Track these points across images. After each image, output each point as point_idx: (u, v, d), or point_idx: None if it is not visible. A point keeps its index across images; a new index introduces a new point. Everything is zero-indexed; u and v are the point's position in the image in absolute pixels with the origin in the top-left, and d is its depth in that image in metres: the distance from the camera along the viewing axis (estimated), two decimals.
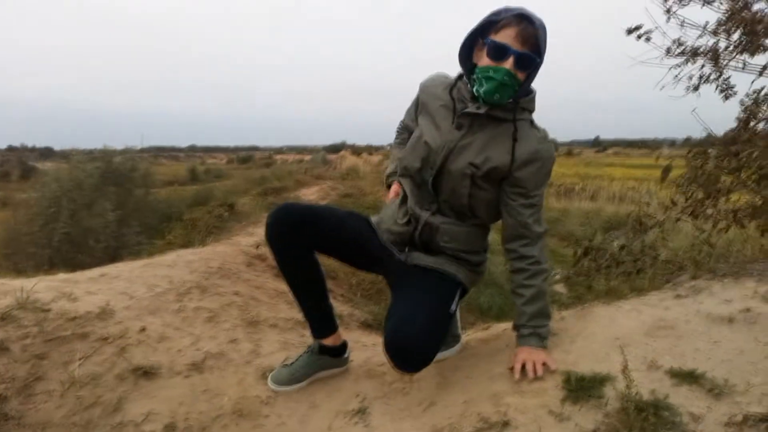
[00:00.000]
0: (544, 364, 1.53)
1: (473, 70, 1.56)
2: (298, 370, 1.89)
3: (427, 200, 1.70)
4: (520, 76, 1.50)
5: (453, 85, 1.64)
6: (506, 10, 1.50)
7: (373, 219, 1.84)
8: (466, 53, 1.59)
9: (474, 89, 1.55)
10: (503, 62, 1.47)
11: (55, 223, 7.39)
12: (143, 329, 2.04)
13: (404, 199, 1.76)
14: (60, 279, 2.37)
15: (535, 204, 1.62)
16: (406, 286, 1.69)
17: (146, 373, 1.83)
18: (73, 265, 5.70)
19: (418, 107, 1.76)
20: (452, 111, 1.62)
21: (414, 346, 1.52)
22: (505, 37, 1.47)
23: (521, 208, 1.61)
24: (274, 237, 1.69)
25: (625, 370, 1.30)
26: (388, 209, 1.82)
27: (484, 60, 1.52)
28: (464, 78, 1.61)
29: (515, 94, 1.53)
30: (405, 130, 1.93)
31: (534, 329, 1.61)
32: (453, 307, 1.69)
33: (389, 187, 1.92)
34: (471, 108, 1.57)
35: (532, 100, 1.62)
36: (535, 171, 1.59)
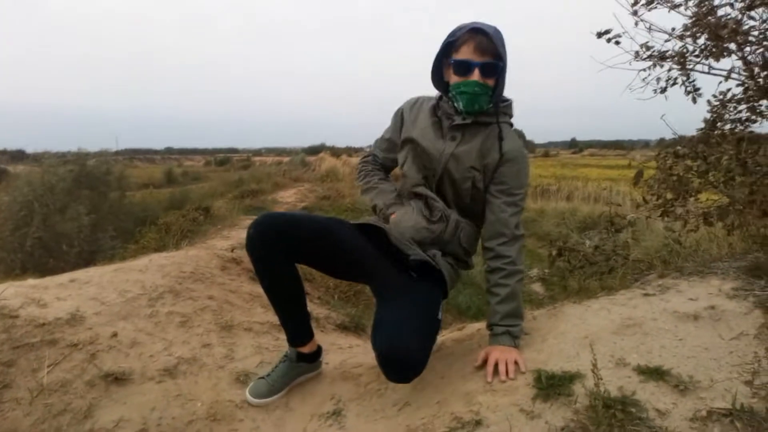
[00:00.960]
0: (515, 363, 1.55)
1: (448, 88, 1.72)
2: (276, 381, 1.87)
3: (445, 204, 1.78)
4: (489, 82, 1.66)
5: (436, 106, 1.79)
6: (459, 28, 1.66)
7: (386, 225, 1.81)
8: (438, 75, 1.76)
9: (455, 105, 1.71)
10: (470, 76, 1.63)
11: (27, 228, 7.22)
12: (114, 335, 2.01)
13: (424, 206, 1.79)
14: (29, 285, 2.32)
15: (516, 204, 1.72)
16: (395, 296, 1.69)
17: (117, 379, 1.81)
18: (46, 271, 5.58)
19: (403, 124, 1.85)
20: (440, 128, 1.76)
21: (408, 360, 1.53)
22: (465, 53, 1.63)
23: (504, 205, 1.71)
24: (255, 248, 1.68)
25: (594, 368, 1.32)
26: (404, 213, 1.80)
27: (453, 78, 1.68)
28: (443, 98, 1.76)
29: (492, 98, 1.69)
30: (375, 166, 2.00)
31: (507, 328, 1.64)
32: (439, 315, 1.73)
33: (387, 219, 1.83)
34: (458, 120, 1.71)
35: (510, 107, 1.79)
36: (517, 170, 1.72)
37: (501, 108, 1.74)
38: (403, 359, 1.53)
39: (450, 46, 1.68)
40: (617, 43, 2.51)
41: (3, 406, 1.59)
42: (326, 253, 1.76)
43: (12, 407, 1.60)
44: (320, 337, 2.10)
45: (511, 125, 1.79)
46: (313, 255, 1.77)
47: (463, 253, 1.82)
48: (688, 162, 2.43)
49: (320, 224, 1.78)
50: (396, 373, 1.56)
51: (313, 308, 2.90)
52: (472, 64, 1.62)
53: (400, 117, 1.88)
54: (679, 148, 2.48)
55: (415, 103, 1.86)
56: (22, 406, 1.61)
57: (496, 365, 1.56)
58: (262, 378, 1.88)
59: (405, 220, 1.78)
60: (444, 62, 1.72)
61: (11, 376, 1.68)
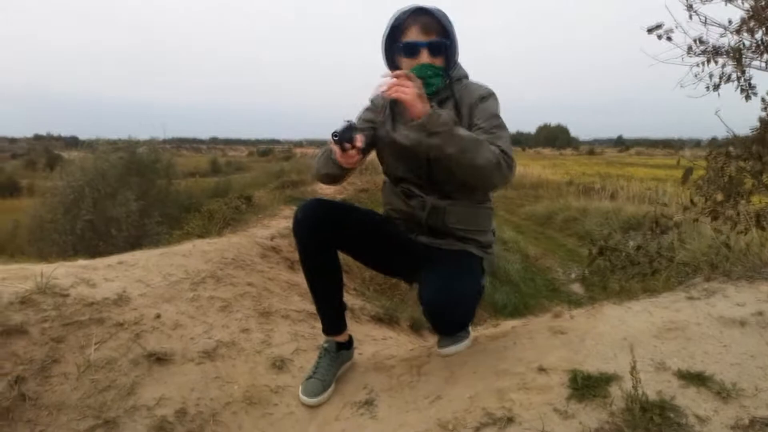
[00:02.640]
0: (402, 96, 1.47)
1: None
2: (325, 375, 1.86)
3: (429, 188, 1.76)
4: (438, 62, 1.68)
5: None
6: (402, 12, 1.67)
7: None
8: (391, 62, 1.77)
9: None
10: (418, 57, 1.66)
11: (78, 211, 7.54)
12: (158, 316, 2.08)
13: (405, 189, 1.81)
14: (79, 265, 2.42)
15: (490, 131, 1.60)
16: (437, 264, 1.72)
17: (159, 359, 1.87)
18: (96, 253, 5.82)
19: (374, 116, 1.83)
20: (393, 119, 1.77)
21: (455, 308, 1.63)
22: (411, 35, 1.66)
23: (480, 134, 1.58)
24: (301, 231, 1.72)
25: (633, 370, 1.29)
26: (388, 194, 1.88)
27: (404, 63, 1.70)
28: None
29: (446, 75, 1.71)
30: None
31: (440, 114, 1.49)
32: (482, 280, 1.78)
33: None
34: None
35: (459, 68, 1.76)
36: (481, 109, 1.67)
37: (453, 77, 1.73)
38: (451, 307, 1.61)
39: (395, 30, 1.70)
40: (669, 38, 2.42)
41: (52, 380, 1.68)
42: (369, 240, 1.80)
43: (60, 381, 1.68)
44: (354, 328, 2.13)
45: (469, 82, 1.76)
46: (357, 244, 1.81)
47: (470, 233, 1.78)
48: (741, 163, 2.33)
49: (366, 214, 1.84)
50: (443, 321, 1.69)
51: (349, 299, 2.93)
52: (419, 45, 1.65)
53: (374, 105, 1.84)
54: (731, 148, 2.38)
55: (377, 99, 1.84)
56: (69, 381, 1.68)
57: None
58: (311, 378, 1.85)
59: (390, 203, 1.86)
60: (393, 48, 1.74)
61: (61, 352, 1.77)
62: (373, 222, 1.83)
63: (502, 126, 1.65)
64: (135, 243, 7.34)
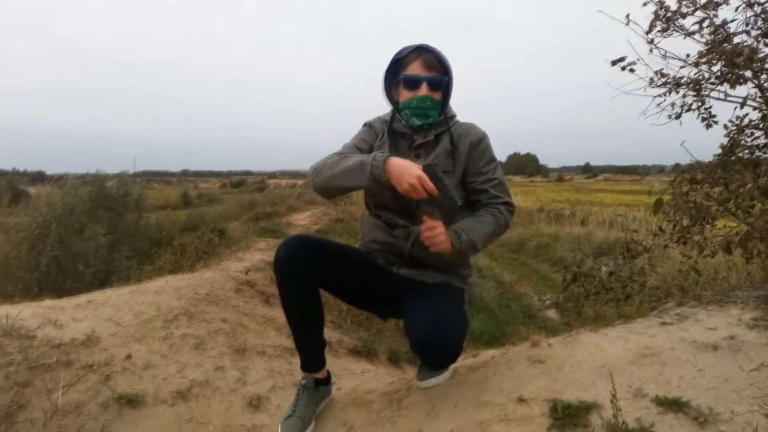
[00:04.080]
0: (436, 242, 1.58)
1: (398, 106, 1.82)
2: (305, 413, 1.80)
3: (414, 218, 1.77)
4: (437, 96, 1.77)
5: (390, 126, 1.85)
6: (405, 48, 1.78)
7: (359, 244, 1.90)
8: (389, 95, 1.87)
9: (408, 122, 1.79)
10: (418, 90, 1.74)
11: (43, 247, 7.32)
12: (129, 357, 2.02)
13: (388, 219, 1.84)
14: (46, 305, 2.35)
15: (493, 178, 1.78)
16: (421, 297, 1.72)
17: (131, 401, 1.81)
18: (62, 290, 5.64)
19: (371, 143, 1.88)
20: (393, 149, 1.81)
21: (447, 343, 1.62)
22: (414, 69, 1.75)
23: (484, 184, 1.77)
24: (284, 270, 1.69)
25: (613, 398, 1.29)
26: (368, 225, 1.89)
27: (403, 94, 1.78)
28: (395, 118, 1.84)
29: (441, 110, 1.80)
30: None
31: (461, 232, 1.64)
32: (466, 311, 1.79)
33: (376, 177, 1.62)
34: (420, 139, 1.79)
35: (450, 108, 1.86)
36: (480, 151, 1.79)
37: (448, 116, 1.82)
38: (443, 342, 1.60)
39: (398, 64, 1.79)
40: (632, 70, 2.52)
41: (18, 426, 1.60)
42: (352, 279, 1.79)
43: (27, 428, 1.61)
44: (332, 362, 2.09)
45: (458, 121, 1.86)
46: (338, 280, 1.79)
47: (450, 265, 1.82)
48: (707, 188, 2.41)
49: (347, 250, 1.84)
50: (435, 354, 1.67)
51: (326, 332, 2.88)
52: (421, 79, 1.73)
53: (373, 130, 1.90)
54: (697, 174, 2.47)
55: (378, 124, 1.91)
56: (36, 427, 1.61)
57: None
58: (290, 416, 1.78)
59: (369, 234, 1.87)
60: (393, 81, 1.83)
61: (27, 397, 1.70)
62: (355, 257, 1.82)
63: (498, 170, 1.81)
64: (103, 279, 7.13)
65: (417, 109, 1.75)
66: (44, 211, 7.78)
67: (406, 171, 1.53)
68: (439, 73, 1.76)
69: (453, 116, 1.86)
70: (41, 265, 7.23)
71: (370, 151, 1.84)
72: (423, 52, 1.76)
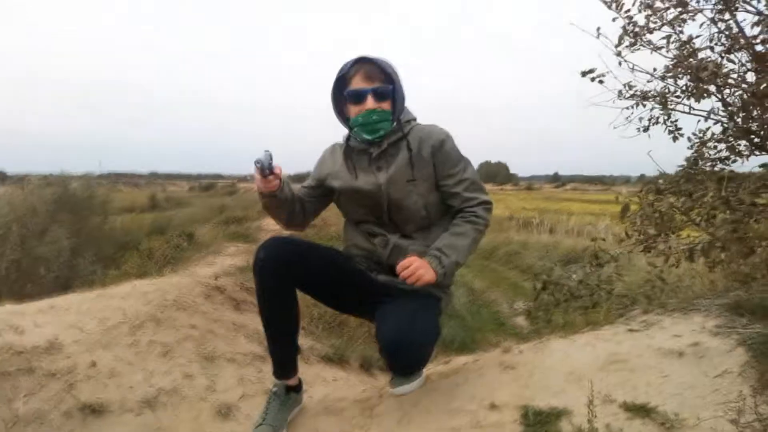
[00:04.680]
0: (420, 278, 1.59)
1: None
2: (276, 421, 1.76)
3: (391, 228, 1.82)
4: (385, 106, 1.75)
5: (346, 147, 1.85)
6: (346, 63, 1.77)
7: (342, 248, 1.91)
8: (340, 113, 1.85)
9: (360, 138, 1.79)
10: (364, 104, 1.72)
11: (3, 249, 7.06)
12: (93, 364, 1.96)
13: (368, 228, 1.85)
14: (6, 310, 2.26)
15: (464, 179, 1.78)
16: (395, 302, 1.72)
17: (95, 410, 1.75)
18: (23, 295, 5.43)
19: (324, 172, 1.91)
20: (362, 166, 1.82)
21: (415, 347, 1.62)
22: (356, 83, 1.74)
23: (455, 187, 1.78)
24: (263, 271, 1.68)
25: (590, 404, 1.31)
26: (350, 231, 1.91)
27: (351, 110, 1.77)
28: (350, 136, 1.84)
29: (393, 119, 1.78)
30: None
31: (441, 254, 1.67)
32: (438, 320, 1.78)
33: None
34: (376, 151, 1.79)
35: (407, 112, 1.85)
36: (445, 153, 1.77)
37: (402, 120, 1.81)
38: (409, 347, 1.60)
39: (341, 81, 1.78)
40: (601, 82, 2.59)
41: None
42: (330, 282, 1.79)
43: None
44: (304, 369, 2.07)
45: (418, 124, 1.85)
46: (317, 282, 1.79)
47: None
48: (671, 199, 2.48)
49: (327, 252, 1.84)
50: (402, 361, 1.69)
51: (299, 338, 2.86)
52: (364, 92, 1.72)
53: (328, 160, 1.93)
54: (660, 182, 2.54)
55: (333, 151, 1.93)
56: None
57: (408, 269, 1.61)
58: (261, 425, 1.74)
59: (351, 239, 1.90)
60: (340, 98, 1.81)
61: None
62: (334, 260, 1.82)
63: (468, 169, 1.81)
64: (66, 284, 6.91)
65: (364, 126, 1.74)
66: (5, 212, 7.51)
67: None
68: (383, 83, 1.74)
69: (410, 120, 1.84)
70: (0, 268, 6.97)
71: (318, 186, 1.91)
72: (363, 64, 1.75)
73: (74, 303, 2.46)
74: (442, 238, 1.73)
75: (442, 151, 1.77)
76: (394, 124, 1.79)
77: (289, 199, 1.75)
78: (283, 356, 1.85)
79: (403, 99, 1.80)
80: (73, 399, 1.76)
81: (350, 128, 1.82)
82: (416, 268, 1.60)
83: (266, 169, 1.58)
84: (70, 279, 7.24)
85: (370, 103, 1.72)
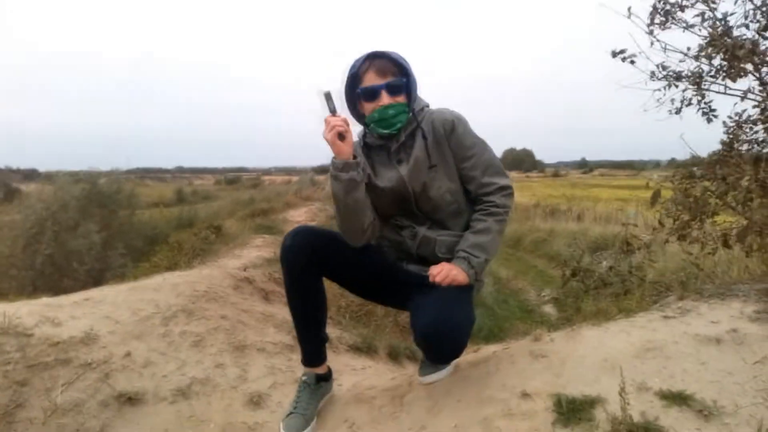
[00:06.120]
0: (454, 279, 1.63)
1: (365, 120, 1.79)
2: (307, 409, 1.79)
3: (420, 219, 1.80)
4: (400, 99, 1.73)
5: (364, 142, 1.84)
6: (357, 60, 1.74)
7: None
8: (354, 110, 1.81)
9: (378, 133, 1.77)
10: (379, 100, 1.70)
11: (38, 245, 7.26)
12: (128, 354, 2.00)
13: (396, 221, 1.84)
14: (43, 303, 2.32)
15: (480, 161, 1.77)
16: (429, 292, 1.69)
17: (130, 399, 1.80)
18: (57, 288, 5.59)
19: None
20: (383, 161, 1.81)
21: (453, 336, 1.60)
22: (369, 80, 1.71)
23: (472, 170, 1.76)
24: (290, 258, 1.70)
25: (622, 392, 1.29)
26: (380, 224, 1.88)
27: (366, 108, 1.75)
28: (366, 132, 1.83)
29: (408, 112, 1.75)
30: None
31: (469, 255, 1.68)
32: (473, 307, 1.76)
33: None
34: (394, 145, 1.78)
35: (420, 100, 1.82)
36: (459, 136, 1.76)
37: (416, 111, 1.78)
38: (448, 336, 1.58)
39: (354, 79, 1.74)
40: (632, 62, 2.52)
41: (16, 425, 1.59)
42: (358, 270, 1.80)
43: (25, 427, 1.59)
44: (332, 359, 2.08)
45: (431, 111, 1.82)
46: (344, 271, 1.80)
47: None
48: (706, 183, 2.41)
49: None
50: (442, 350, 1.66)
51: (326, 328, 2.88)
52: (378, 88, 1.69)
53: (356, 152, 1.85)
54: (695, 169, 2.47)
55: (355, 149, 1.86)
56: (35, 426, 1.60)
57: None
58: (292, 413, 1.76)
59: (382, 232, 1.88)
60: (354, 96, 1.78)
61: (25, 396, 1.68)
62: (361, 249, 1.81)
63: (486, 150, 1.78)
64: (98, 277, 7.09)
65: (381, 122, 1.72)
66: (39, 208, 7.72)
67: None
68: (396, 76, 1.72)
69: (422, 108, 1.81)
70: (36, 263, 7.17)
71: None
72: (375, 59, 1.72)
73: (108, 295, 2.51)
74: (466, 239, 1.72)
75: (455, 134, 1.76)
76: (410, 115, 1.77)
77: (363, 196, 1.72)
78: (312, 343, 1.87)
79: (416, 89, 1.79)
80: (109, 388, 1.80)
81: (366, 125, 1.81)
82: (449, 270, 1.62)
83: (334, 105, 1.60)
84: (102, 271, 7.42)
85: (384, 98, 1.70)
